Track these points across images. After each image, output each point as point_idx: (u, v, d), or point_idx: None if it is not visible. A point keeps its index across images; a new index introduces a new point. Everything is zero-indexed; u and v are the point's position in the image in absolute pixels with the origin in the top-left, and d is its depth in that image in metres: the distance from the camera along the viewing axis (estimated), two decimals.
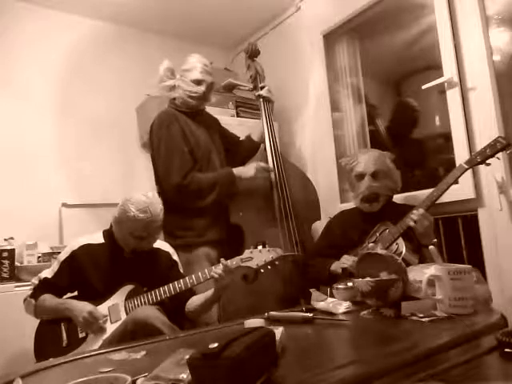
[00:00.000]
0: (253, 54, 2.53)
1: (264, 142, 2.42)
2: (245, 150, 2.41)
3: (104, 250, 1.71)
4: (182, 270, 1.80)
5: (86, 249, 1.69)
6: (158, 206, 1.66)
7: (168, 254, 1.80)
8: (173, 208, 1.98)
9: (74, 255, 1.68)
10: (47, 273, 1.69)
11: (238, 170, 2.14)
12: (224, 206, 2.21)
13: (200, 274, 1.63)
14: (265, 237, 2.18)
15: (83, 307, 1.55)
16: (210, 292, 1.65)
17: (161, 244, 1.81)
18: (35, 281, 1.69)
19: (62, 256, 1.69)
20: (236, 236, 2.21)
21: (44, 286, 1.65)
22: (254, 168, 2.16)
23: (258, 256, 1.63)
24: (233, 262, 1.62)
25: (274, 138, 2.40)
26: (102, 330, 1.54)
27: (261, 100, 2.45)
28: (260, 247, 1.65)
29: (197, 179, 2.05)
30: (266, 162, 2.32)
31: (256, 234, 2.19)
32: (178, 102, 2.20)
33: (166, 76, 2.20)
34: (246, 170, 2.16)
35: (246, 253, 1.65)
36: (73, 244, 1.72)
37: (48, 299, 1.62)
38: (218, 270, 1.59)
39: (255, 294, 1.99)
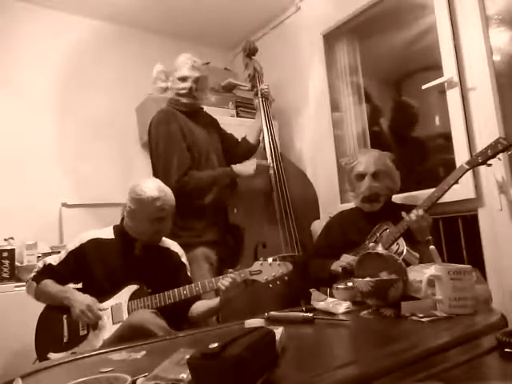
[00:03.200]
0: (250, 52, 2.52)
1: (259, 143, 2.43)
2: (242, 151, 2.40)
3: (113, 245, 1.70)
4: (189, 273, 1.78)
5: (95, 243, 1.69)
6: (166, 186, 1.70)
7: (177, 254, 1.78)
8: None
9: (82, 248, 1.68)
10: (53, 259, 1.69)
11: (237, 168, 2.14)
12: (223, 206, 2.21)
13: (207, 282, 1.61)
14: (265, 236, 2.18)
15: (84, 299, 1.54)
16: (214, 301, 1.64)
17: (170, 243, 1.81)
18: (40, 264, 1.69)
19: (71, 246, 1.69)
20: (235, 236, 2.20)
21: (47, 272, 1.65)
22: (254, 165, 2.15)
23: (267, 270, 1.60)
24: (241, 275, 1.60)
25: (273, 137, 2.39)
26: (98, 326, 1.53)
27: (260, 98, 2.44)
28: (270, 260, 1.61)
29: (195, 177, 2.05)
30: (265, 159, 2.31)
31: (256, 233, 2.19)
32: (174, 102, 2.21)
33: (160, 78, 2.21)
34: (246, 168, 2.15)
35: (256, 265, 1.61)
36: (82, 236, 1.71)
37: (50, 284, 1.61)
38: (225, 282, 1.57)
39: (255, 295, 1.99)
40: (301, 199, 2.34)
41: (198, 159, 2.12)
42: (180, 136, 2.09)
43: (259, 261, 1.63)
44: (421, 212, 1.69)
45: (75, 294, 1.58)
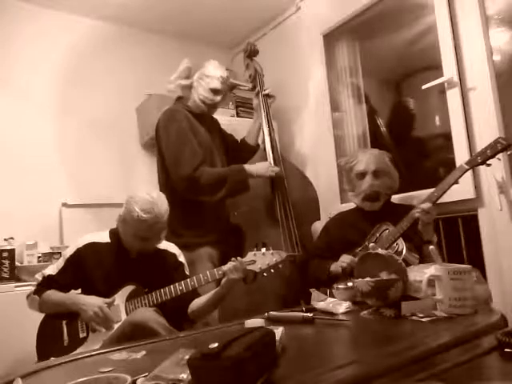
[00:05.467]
0: (251, 53, 2.53)
1: (258, 144, 2.43)
2: (243, 153, 2.40)
3: (109, 249, 1.70)
4: (187, 272, 1.78)
5: (92, 247, 1.69)
6: (162, 206, 1.63)
7: (174, 255, 1.78)
8: (177, 206, 1.99)
9: (78, 253, 1.68)
10: (51, 269, 1.69)
11: (249, 167, 2.12)
12: (225, 206, 2.20)
13: (201, 276, 1.62)
14: (265, 237, 2.18)
15: (94, 301, 1.55)
16: (214, 290, 1.63)
17: (167, 245, 1.80)
18: (39, 277, 1.69)
19: (67, 253, 1.70)
20: (237, 236, 2.20)
21: (48, 283, 1.65)
22: (267, 167, 2.14)
23: (261, 259, 1.60)
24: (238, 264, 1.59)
25: (274, 138, 2.39)
26: (111, 327, 1.54)
27: (261, 99, 2.44)
28: (263, 250, 1.62)
29: (207, 172, 2.02)
30: (265, 160, 2.30)
31: (256, 233, 2.19)
32: (189, 103, 2.20)
33: (183, 75, 2.20)
34: (259, 169, 2.14)
35: (249, 255, 1.62)
36: (79, 242, 1.71)
37: (53, 293, 1.62)
38: (228, 265, 1.58)
39: (255, 294, 1.99)
40: (301, 200, 2.34)
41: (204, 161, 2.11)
42: (191, 134, 2.08)
43: (252, 251, 1.63)
44: (429, 204, 1.68)
45: (82, 298, 1.59)
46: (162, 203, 1.64)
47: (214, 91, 2.16)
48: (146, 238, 1.64)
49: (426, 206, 1.69)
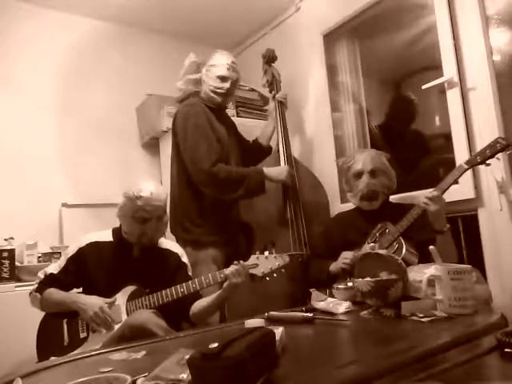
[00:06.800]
0: (270, 59, 2.58)
1: (271, 146, 2.44)
2: (255, 152, 2.40)
3: (112, 248, 1.70)
4: (190, 273, 1.77)
5: (94, 246, 1.69)
6: (159, 189, 1.68)
7: (177, 255, 1.77)
8: (189, 201, 2.00)
9: (81, 252, 1.68)
10: (53, 268, 1.69)
11: (268, 171, 2.11)
12: (237, 208, 2.20)
13: (203, 278, 1.61)
14: (274, 236, 2.19)
15: (94, 302, 1.55)
16: (218, 292, 1.62)
17: (171, 245, 1.80)
18: (41, 275, 1.69)
19: (70, 252, 1.70)
20: (246, 233, 2.20)
21: (49, 281, 1.65)
22: (286, 172, 2.15)
23: (263, 263, 1.59)
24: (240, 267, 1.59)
25: (288, 140, 2.41)
26: (111, 327, 1.53)
27: (276, 103, 2.47)
28: (267, 253, 1.61)
29: (225, 169, 2.01)
30: (278, 163, 2.32)
31: (266, 232, 2.20)
32: (204, 96, 2.19)
33: (191, 69, 2.19)
34: (279, 173, 2.14)
35: (252, 259, 1.61)
36: (81, 241, 1.71)
37: (55, 292, 1.62)
38: (230, 269, 1.57)
39: (262, 294, 1.97)
40: (311, 201, 2.35)
41: (221, 158, 2.09)
42: (209, 129, 2.07)
43: (255, 255, 1.62)
44: (436, 193, 1.66)
45: (82, 298, 1.59)
46: (158, 187, 1.69)
47: (222, 78, 2.14)
48: (143, 219, 1.64)
49: (433, 194, 1.65)
